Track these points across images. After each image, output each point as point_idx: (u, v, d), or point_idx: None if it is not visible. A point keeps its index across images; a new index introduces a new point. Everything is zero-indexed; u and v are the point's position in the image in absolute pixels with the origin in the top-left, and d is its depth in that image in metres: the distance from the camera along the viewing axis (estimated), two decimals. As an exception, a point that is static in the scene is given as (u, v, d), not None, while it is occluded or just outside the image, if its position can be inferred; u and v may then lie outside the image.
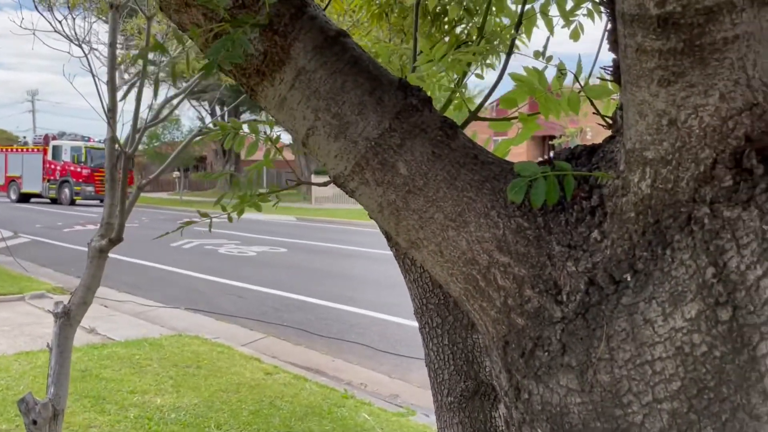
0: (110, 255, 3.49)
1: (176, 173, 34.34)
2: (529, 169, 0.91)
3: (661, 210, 0.82)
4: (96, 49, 4.48)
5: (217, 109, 35.18)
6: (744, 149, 0.76)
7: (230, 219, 1.29)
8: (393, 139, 1.05)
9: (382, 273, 11.20)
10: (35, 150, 30.33)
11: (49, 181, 29.49)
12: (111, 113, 3.49)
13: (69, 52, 4.09)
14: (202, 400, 4.88)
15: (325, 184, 1.41)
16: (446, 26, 1.56)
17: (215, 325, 7.65)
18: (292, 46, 1.06)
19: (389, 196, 1.06)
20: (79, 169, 28.65)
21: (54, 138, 30.32)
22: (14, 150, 31.60)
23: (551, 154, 1.06)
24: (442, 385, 1.40)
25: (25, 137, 32.08)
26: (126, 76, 4.66)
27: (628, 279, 0.85)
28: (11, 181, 30.89)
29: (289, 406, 4.84)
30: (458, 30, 1.51)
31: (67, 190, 28.78)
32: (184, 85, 4.33)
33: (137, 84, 3.48)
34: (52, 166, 29.42)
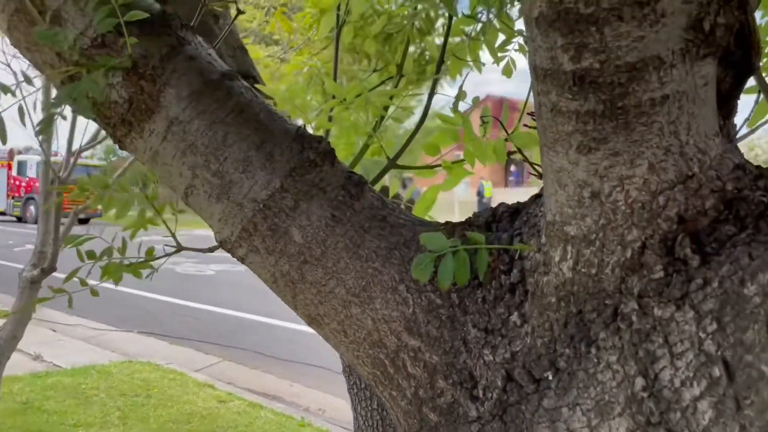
0: (63, 276, 3.28)
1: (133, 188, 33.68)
2: (437, 242, 0.77)
3: (584, 299, 0.70)
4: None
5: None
6: (676, 234, 0.64)
7: (93, 292, 1.15)
8: (285, 201, 0.92)
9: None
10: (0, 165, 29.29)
11: (13, 198, 27.98)
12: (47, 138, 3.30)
13: None
14: (149, 433, 4.67)
15: (210, 250, 1.29)
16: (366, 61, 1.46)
17: (168, 349, 7.39)
18: (162, 92, 0.92)
19: (282, 267, 0.94)
20: None
21: (19, 152, 28.66)
22: None
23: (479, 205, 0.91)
24: None
25: None
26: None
27: (550, 378, 0.73)
28: None
29: (242, 437, 4.66)
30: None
31: (32, 208, 27.03)
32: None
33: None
34: (17, 183, 27.91)
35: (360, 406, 1.30)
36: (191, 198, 1.00)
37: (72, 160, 3.29)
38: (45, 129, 0.95)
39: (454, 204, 21.02)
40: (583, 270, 0.69)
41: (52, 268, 3.25)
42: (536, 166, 0.94)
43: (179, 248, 1.22)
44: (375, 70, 1.91)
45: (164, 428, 4.79)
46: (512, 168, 29.73)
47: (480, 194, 22.87)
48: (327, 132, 1.20)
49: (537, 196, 0.84)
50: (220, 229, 0.98)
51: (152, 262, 1.22)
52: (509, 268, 0.81)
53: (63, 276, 1.38)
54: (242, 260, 1.01)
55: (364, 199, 0.95)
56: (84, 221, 27.17)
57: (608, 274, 0.68)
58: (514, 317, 0.78)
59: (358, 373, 0.94)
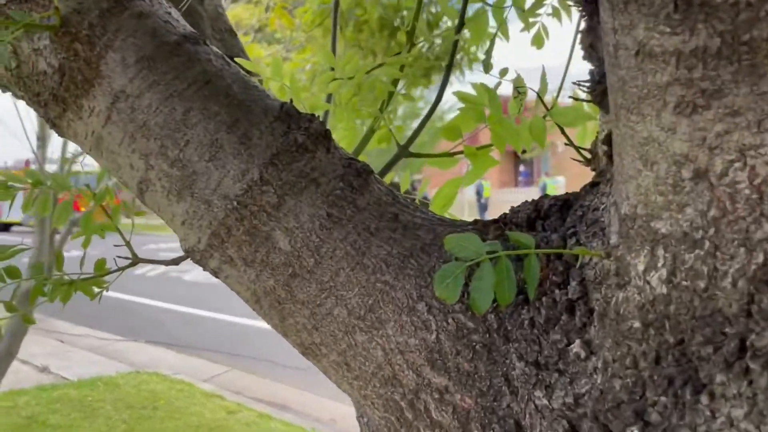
0: None
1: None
2: (468, 246, 0.56)
3: (688, 326, 0.49)
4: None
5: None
6: None
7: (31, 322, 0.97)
8: (266, 197, 0.71)
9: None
10: None
11: None
12: (41, 141, 3.16)
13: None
14: (155, 448, 4.51)
15: (175, 262, 1.11)
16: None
17: (176, 359, 7.26)
18: (103, 57, 0.71)
19: (266, 283, 0.74)
20: (61, 195, 27.38)
21: (27, 163, 29.07)
22: None
23: (507, 211, 0.67)
24: None
25: (6, 162, 30.38)
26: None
27: None
28: None
29: (251, 451, 4.49)
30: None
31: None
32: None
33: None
34: None
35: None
36: (147, 195, 0.79)
37: (67, 166, 3.14)
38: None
39: (464, 204, 20.65)
40: (684, 284, 0.49)
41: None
42: (583, 151, 0.74)
43: (135, 260, 1.04)
44: (381, 65, 1.73)
45: (171, 442, 4.63)
46: (521, 168, 29.34)
47: (479, 194, 22.40)
48: (325, 114, 1.00)
49: (593, 185, 0.64)
50: (185, 235, 0.78)
51: (106, 278, 1.03)
52: (565, 280, 0.60)
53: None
54: (215, 274, 0.81)
55: (370, 193, 0.74)
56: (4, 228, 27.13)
57: (727, 289, 0.47)
58: (576, 347, 0.57)
59: (370, 415, 0.73)
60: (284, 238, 0.71)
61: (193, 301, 10.46)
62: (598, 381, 0.55)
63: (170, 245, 21.50)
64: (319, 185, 0.72)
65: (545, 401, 0.57)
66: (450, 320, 0.63)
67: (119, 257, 1.05)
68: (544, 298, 0.61)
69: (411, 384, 0.65)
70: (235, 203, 0.72)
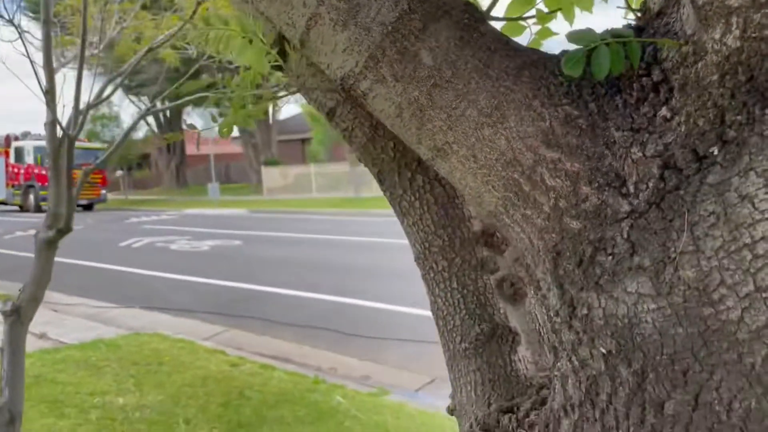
0: (56, 258, 3.26)
1: (120, 172, 33.19)
2: (586, 37, 0.78)
3: (757, 63, 0.70)
4: (27, 32, 4.19)
5: (158, 104, 34.11)
6: None
7: (224, 134, 1.11)
8: (413, 23, 0.89)
9: (343, 259, 11.08)
10: None
11: (13, 186, 26.47)
12: (50, 95, 3.25)
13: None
14: (167, 397, 4.69)
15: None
16: None
17: (174, 321, 7.39)
18: None
19: (411, 93, 0.91)
20: (43, 172, 25.04)
21: (16, 138, 27.01)
22: None
23: None
24: (454, 332, 1.28)
25: None
26: (61, 59, 4.38)
27: (715, 153, 0.73)
28: None
29: (259, 396, 4.69)
30: None
31: (31, 196, 25.83)
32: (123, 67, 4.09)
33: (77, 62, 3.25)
34: (16, 170, 26.38)
35: (438, 289, 1.30)
36: (313, 31, 0.96)
37: (81, 118, 3.24)
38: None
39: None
40: (754, 35, 0.69)
41: (69, 228, 3.22)
42: (635, 11, 0.92)
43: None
44: None
45: (180, 392, 4.81)
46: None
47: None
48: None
49: (652, 18, 0.83)
50: (343, 61, 0.95)
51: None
52: (648, 72, 0.81)
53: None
54: (364, 96, 0.98)
55: (486, 24, 0.93)
56: (87, 207, 26.38)
57: None
58: (663, 112, 0.78)
59: (485, 202, 0.90)
60: (428, 55, 0.89)
61: (182, 269, 10.58)
62: (682, 130, 0.76)
63: (151, 218, 21.50)
64: (450, 15, 0.91)
65: (640, 154, 0.78)
66: (560, 111, 0.84)
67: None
68: (633, 85, 0.82)
69: (529, 162, 0.85)
70: (389, 28, 0.89)
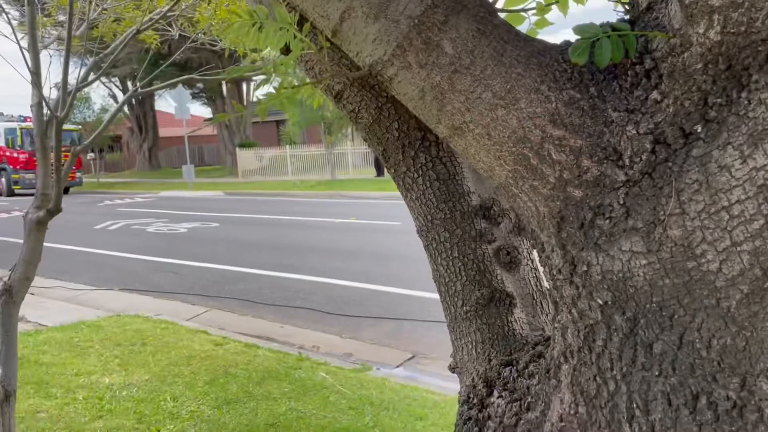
0: None
1: (91, 155, 32.60)
2: (590, 30, 0.91)
3: (735, 54, 0.82)
4: (7, 12, 4.14)
5: (129, 84, 33.53)
6: None
7: (262, 114, 1.18)
8: (437, 16, 1.00)
9: (321, 239, 11.16)
10: None
11: None
12: (35, 76, 3.25)
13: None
14: (153, 376, 4.75)
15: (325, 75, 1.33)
16: None
17: (154, 303, 7.41)
18: None
19: (433, 79, 1.02)
20: (15, 154, 24.61)
21: None
22: None
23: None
24: (456, 297, 1.39)
25: None
26: (44, 40, 4.35)
27: (699, 130, 0.85)
28: None
29: (245, 373, 4.77)
30: None
31: (3, 180, 24.85)
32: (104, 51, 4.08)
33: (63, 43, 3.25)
34: None
35: (440, 258, 1.41)
36: (346, 23, 1.06)
37: (69, 99, 3.25)
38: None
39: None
40: (731, 30, 0.80)
41: (58, 209, 3.25)
42: (624, 4, 1.04)
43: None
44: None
45: (166, 371, 4.87)
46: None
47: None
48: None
49: (644, 10, 0.95)
50: (373, 50, 1.05)
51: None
52: (640, 60, 0.93)
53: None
54: (390, 81, 1.07)
55: (498, 17, 1.04)
56: (64, 191, 25.55)
57: (759, 26, 0.79)
58: (654, 95, 0.90)
59: (496, 175, 1.02)
60: (449, 44, 1.00)
61: (161, 251, 10.56)
62: (671, 111, 0.89)
63: (125, 201, 21.27)
64: (468, 9, 1.02)
65: (634, 131, 0.91)
66: (564, 94, 0.96)
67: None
68: (628, 72, 0.94)
69: (537, 139, 0.97)
70: (416, 21, 1.01)
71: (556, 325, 0.99)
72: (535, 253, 1.50)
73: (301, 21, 1.14)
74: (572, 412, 0.93)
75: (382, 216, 13.91)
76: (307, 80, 1.34)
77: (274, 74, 1.18)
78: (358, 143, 28.24)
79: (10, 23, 3.27)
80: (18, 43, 3.23)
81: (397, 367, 5.19)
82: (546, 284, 1.48)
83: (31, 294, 7.98)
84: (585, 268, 0.92)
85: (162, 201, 20.46)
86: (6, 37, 3.33)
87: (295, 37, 1.11)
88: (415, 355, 5.44)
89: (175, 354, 5.28)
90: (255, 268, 8.91)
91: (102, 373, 4.86)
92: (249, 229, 13.08)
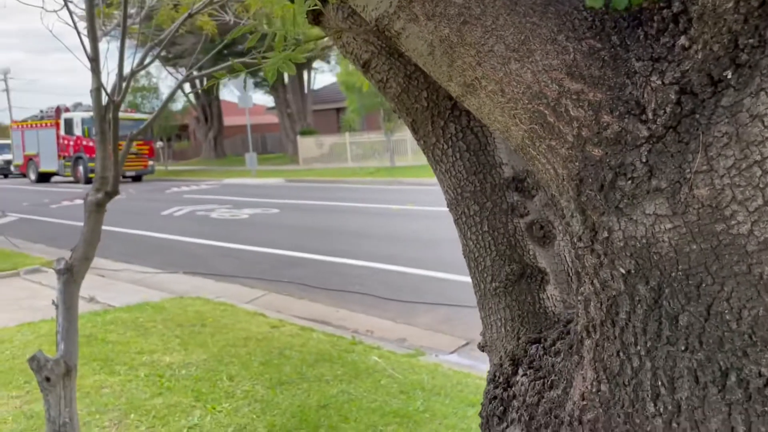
0: (102, 227, 3.39)
1: (159, 143, 33.82)
2: None
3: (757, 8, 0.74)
4: (71, 1, 4.30)
5: (195, 74, 34.35)
6: None
7: (271, 78, 1.17)
8: None
9: (378, 225, 11.20)
10: (49, 125, 27.69)
11: (64, 158, 26.93)
12: (95, 63, 3.36)
13: (42, 7, 3.93)
14: (211, 356, 4.88)
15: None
16: None
17: (215, 286, 7.62)
18: None
19: (442, 31, 0.95)
20: (91, 144, 25.45)
21: (66, 110, 27.46)
22: (30, 126, 29.04)
23: None
24: (485, 273, 1.34)
25: (43, 110, 29.33)
26: (103, 29, 4.49)
27: (729, 76, 0.78)
28: (29, 159, 28.66)
29: (299, 355, 4.84)
30: None
31: (81, 168, 26.10)
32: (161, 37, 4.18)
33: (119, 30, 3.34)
34: (66, 142, 26.77)
35: (470, 232, 1.36)
36: None
37: (124, 84, 3.34)
38: None
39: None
40: None
41: (116, 192, 3.36)
42: None
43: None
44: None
45: (223, 351, 5.00)
46: None
47: None
48: None
49: None
50: (379, 3, 1.00)
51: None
52: (668, 4, 0.85)
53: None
54: (398, 36, 1.02)
55: None
56: (136, 178, 26.91)
57: None
58: (682, 41, 0.82)
59: (512, 135, 0.95)
60: None
61: (223, 237, 10.85)
62: (699, 57, 0.81)
63: (191, 188, 21.97)
64: None
65: (659, 82, 0.83)
66: (583, 44, 0.89)
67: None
68: (654, 17, 0.86)
69: (553, 94, 0.90)
70: None
71: (579, 297, 0.92)
72: None
73: None
74: (594, 389, 0.87)
75: (440, 203, 13.75)
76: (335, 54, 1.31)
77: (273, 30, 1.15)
78: (418, 130, 28.08)
79: (70, 13, 3.39)
80: (77, 31, 3.35)
81: (451, 353, 5.15)
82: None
83: (102, 276, 8.41)
84: (606, 234, 0.85)
85: (225, 188, 21.01)
86: (67, 24, 3.45)
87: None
88: (470, 342, 5.37)
89: (232, 335, 5.41)
90: (313, 253, 9.02)
91: (163, 352, 5.03)
92: (308, 215, 13.26)
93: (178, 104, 36.85)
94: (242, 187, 20.70)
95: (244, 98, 23.49)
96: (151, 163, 27.56)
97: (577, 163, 0.88)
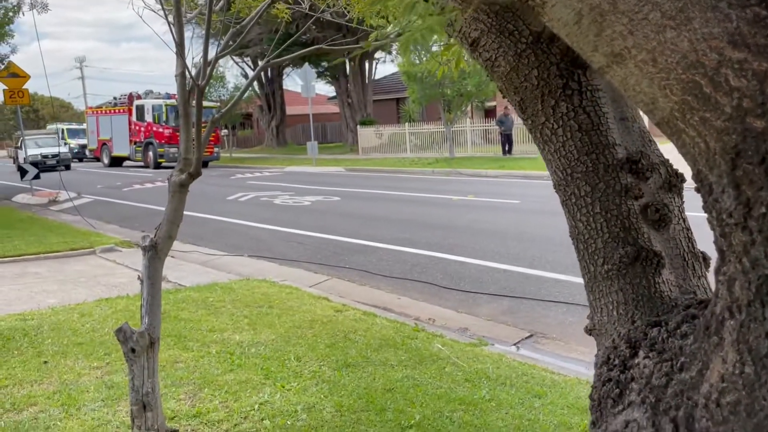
0: None
1: (225, 131, 34.68)
2: None
3: None
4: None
5: (259, 63, 35.02)
6: None
7: (403, 51, 1.18)
8: None
9: (438, 215, 11.19)
10: (122, 111, 29.20)
11: (135, 143, 28.28)
12: (179, 48, 3.48)
13: (130, -4, 4.09)
14: (278, 336, 5.01)
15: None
16: None
17: (279, 269, 7.80)
18: None
19: (593, 0, 0.94)
20: (161, 129, 26.98)
21: (138, 97, 29.01)
22: (104, 112, 30.78)
23: None
24: (596, 255, 1.32)
25: (117, 97, 30.97)
26: (186, 15, 4.64)
27: None
28: (103, 144, 30.33)
29: (363, 339, 4.91)
30: None
31: (151, 153, 27.36)
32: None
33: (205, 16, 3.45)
34: (137, 128, 28.10)
35: (580, 213, 1.35)
36: None
37: (208, 69, 3.45)
38: None
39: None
40: None
41: (198, 173, 3.48)
42: None
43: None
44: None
45: (290, 332, 5.12)
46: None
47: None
48: None
49: None
50: None
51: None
52: None
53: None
54: (543, 5, 1.01)
55: None
56: (203, 164, 27.54)
57: None
58: None
59: (659, 108, 0.93)
60: None
61: (286, 222, 11.07)
62: None
63: (255, 174, 22.49)
64: None
65: None
66: (748, 11, 0.85)
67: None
68: None
69: (712, 63, 0.86)
70: None
71: (720, 278, 0.90)
72: (687, 212, 1.39)
73: None
74: (737, 371, 0.85)
75: (500, 194, 13.68)
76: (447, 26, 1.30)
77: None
78: (477, 121, 27.81)
79: (160, 1, 3.52)
80: (165, 17, 3.47)
81: (514, 344, 5.12)
82: (698, 246, 1.37)
83: (172, 257, 8.71)
84: (763, 210, 0.82)
85: (288, 175, 21.39)
86: (154, 12, 3.59)
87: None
88: (533, 334, 5.33)
89: (298, 317, 5.53)
90: (373, 241, 9.10)
91: (233, 330, 5.19)
92: (368, 203, 13.36)
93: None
94: (304, 175, 21.03)
95: (307, 88, 23.79)
96: (216, 149, 28.39)
97: (734, 136, 0.85)
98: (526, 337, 5.28)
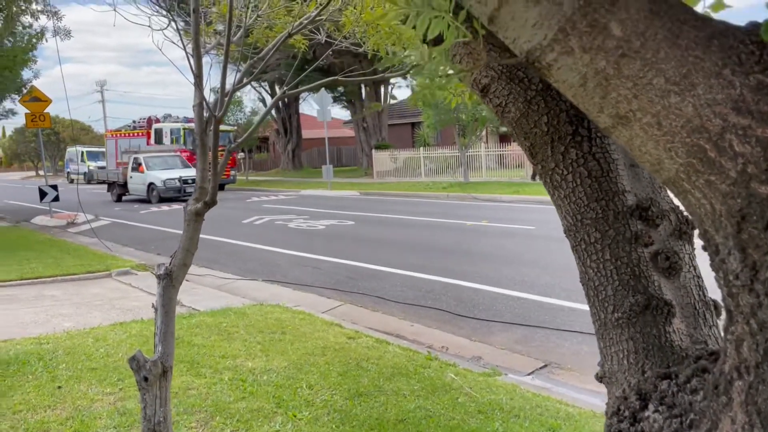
0: None
1: (241, 154, 35.00)
2: None
3: None
4: (175, 20, 4.56)
5: (277, 88, 35.59)
6: None
7: (418, 101, 1.20)
8: None
9: (452, 241, 11.16)
10: (140, 134, 29.34)
11: None
12: (198, 79, 3.54)
13: (149, 26, 4.19)
14: (290, 363, 4.99)
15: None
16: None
17: (293, 294, 7.80)
18: None
19: (598, 64, 0.95)
20: (179, 153, 26.98)
21: (157, 121, 29.26)
22: (123, 135, 30.82)
23: None
24: (606, 302, 1.32)
25: (136, 120, 31.24)
26: (206, 46, 4.74)
27: None
28: (121, 167, 31.12)
29: (376, 368, 4.88)
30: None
31: None
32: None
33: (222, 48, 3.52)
34: None
35: (590, 260, 1.34)
36: (505, 8, 1.03)
37: (226, 100, 3.51)
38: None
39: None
40: None
41: (214, 202, 3.51)
42: None
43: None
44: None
45: (302, 360, 5.10)
46: None
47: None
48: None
49: None
50: (531, 35, 1.01)
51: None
52: None
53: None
54: (548, 68, 1.03)
55: None
56: (220, 188, 27.67)
57: None
58: None
59: (664, 169, 0.95)
60: (617, 26, 0.93)
61: (300, 247, 11.11)
62: None
63: (270, 198, 22.63)
64: None
65: None
66: (751, 78, 0.87)
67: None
68: None
69: (717, 128, 0.88)
70: (581, 2, 0.94)
71: (728, 336, 0.90)
72: (697, 260, 1.38)
73: (457, 9, 1.12)
74: None
75: (515, 220, 13.63)
76: (453, 74, 1.32)
77: (425, 63, 1.18)
78: (492, 146, 27.85)
79: (178, 31, 3.59)
80: (184, 49, 3.54)
81: (528, 374, 5.06)
82: (710, 294, 1.36)
83: (186, 281, 8.74)
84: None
85: (303, 199, 21.51)
86: (173, 43, 3.66)
87: (449, 26, 1.10)
88: (548, 365, 5.27)
89: (311, 344, 5.51)
90: (387, 266, 9.09)
91: (246, 357, 5.19)
92: (382, 228, 13.37)
93: (259, 117, 38.08)
94: (318, 199, 21.13)
95: (323, 112, 24.01)
96: (233, 173, 28.57)
97: (739, 200, 0.86)
98: (541, 367, 5.22)
